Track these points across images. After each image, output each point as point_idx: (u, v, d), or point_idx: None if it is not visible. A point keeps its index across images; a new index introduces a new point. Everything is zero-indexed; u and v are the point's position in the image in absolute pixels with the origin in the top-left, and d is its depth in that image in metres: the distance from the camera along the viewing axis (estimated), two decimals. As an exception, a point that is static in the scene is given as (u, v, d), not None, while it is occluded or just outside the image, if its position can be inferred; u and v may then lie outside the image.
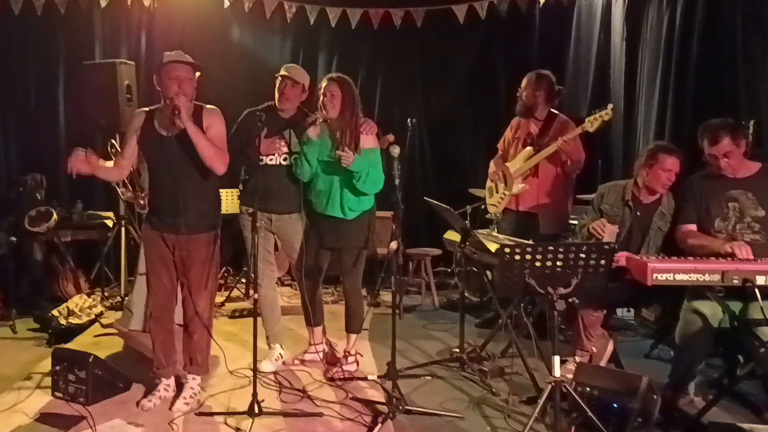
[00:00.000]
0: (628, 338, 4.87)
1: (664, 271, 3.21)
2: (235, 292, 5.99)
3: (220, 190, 6.03)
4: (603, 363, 3.83)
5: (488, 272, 4.58)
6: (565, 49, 6.54)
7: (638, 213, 3.86)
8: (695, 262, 3.29)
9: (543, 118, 4.82)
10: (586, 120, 4.49)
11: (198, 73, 3.50)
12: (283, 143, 4.04)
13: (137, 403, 3.56)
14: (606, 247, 3.22)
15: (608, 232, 3.75)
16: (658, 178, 3.77)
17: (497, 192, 4.98)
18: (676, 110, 5.02)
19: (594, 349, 3.81)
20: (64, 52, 6.52)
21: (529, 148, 4.76)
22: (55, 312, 4.88)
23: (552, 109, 4.85)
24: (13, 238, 5.38)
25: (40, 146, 6.52)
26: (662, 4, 5.30)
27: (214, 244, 3.60)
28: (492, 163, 5.07)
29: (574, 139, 4.55)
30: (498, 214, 5.11)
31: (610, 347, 3.92)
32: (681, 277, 3.21)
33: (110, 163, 3.66)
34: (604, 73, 6.13)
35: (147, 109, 3.61)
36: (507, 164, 4.88)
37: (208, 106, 3.56)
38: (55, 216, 5.66)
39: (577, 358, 3.81)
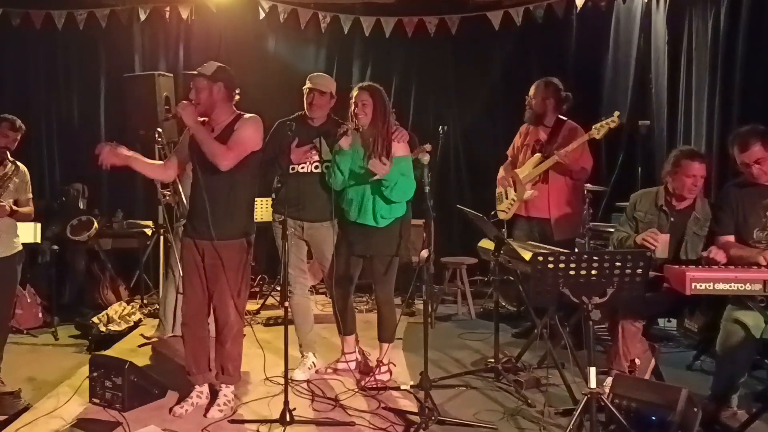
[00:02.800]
0: (670, 349, 4.75)
1: (704, 281, 3.12)
2: (271, 300, 6.02)
3: (255, 199, 6.16)
4: (647, 377, 3.72)
5: (524, 282, 4.52)
6: (603, 54, 6.44)
7: (672, 219, 3.77)
8: (735, 271, 3.19)
9: (551, 125, 4.92)
10: (593, 127, 4.61)
11: (219, 83, 3.53)
12: (314, 152, 4.05)
13: (170, 410, 3.60)
14: (642, 254, 3.14)
15: (662, 242, 3.64)
16: (683, 184, 3.68)
17: (507, 198, 5.06)
18: (723, 115, 4.94)
19: (638, 361, 3.69)
20: (105, 64, 6.70)
21: (537, 155, 4.86)
22: (95, 319, 4.99)
23: (560, 116, 4.94)
24: (56, 247, 5.53)
25: (82, 157, 6.67)
26: (706, 6, 5.19)
27: (244, 252, 3.61)
28: (501, 169, 5.16)
29: (575, 150, 4.66)
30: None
31: (653, 361, 3.81)
32: (721, 286, 3.11)
33: (155, 161, 3.78)
34: (644, 78, 6.03)
35: None
36: (516, 171, 4.98)
37: (248, 115, 3.61)
38: (96, 225, 5.79)
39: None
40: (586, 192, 5.11)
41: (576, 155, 4.72)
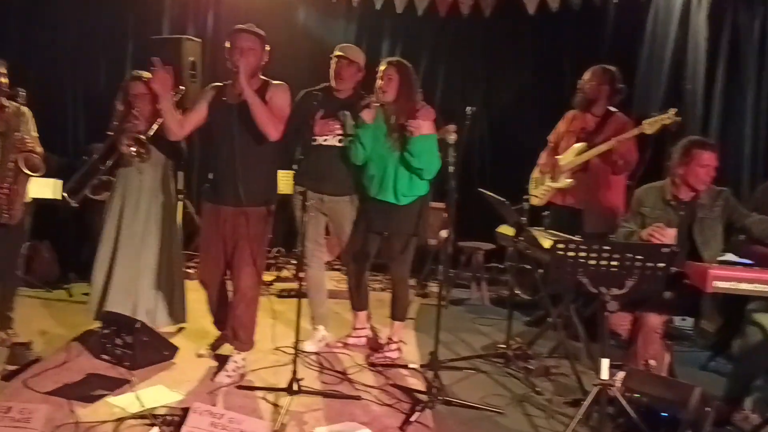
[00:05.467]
0: (685, 348, 4.67)
1: (726, 279, 3.06)
2: (285, 273, 6.02)
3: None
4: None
5: (539, 270, 4.47)
6: (638, 46, 6.28)
7: (682, 212, 3.68)
8: (760, 271, 3.11)
9: (600, 114, 4.73)
10: (644, 122, 4.35)
11: (267, 47, 3.56)
12: (337, 124, 4.00)
13: (212, 378, 3.61)
14: (666, 250, 3.08)
15: (669, 237, 3.57)
16: (696, 175, 3.57)
17: (542, 184, 4.91)
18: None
19: (653, 362, 3.63)
20: (133, 27, 6.65)
21: (582, 144, 4.67)
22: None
23: (610, 107, 4.75)
24: (76, 205, 5.54)
25: (106, 118, 6.69)
26: (752, 3, 5.07)
27: (265, 220, 3.60)
28: (543, 154, 4.99)
29: (628, 139, 4.45)
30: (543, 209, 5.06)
31: (668, 359, 3.76)
32: (743, 286, 3.05)
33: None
34: (678, 74, 5.90)
35: (220, 84, 3.70)
36: (558, 157, 4.82)
37: (276, 81, 3.60)
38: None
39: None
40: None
41: (623, 148, 4.52)
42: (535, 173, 5.03)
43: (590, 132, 4.70)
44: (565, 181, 4.72)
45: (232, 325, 3.66)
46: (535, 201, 5.01)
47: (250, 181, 3.50)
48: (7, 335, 4.02)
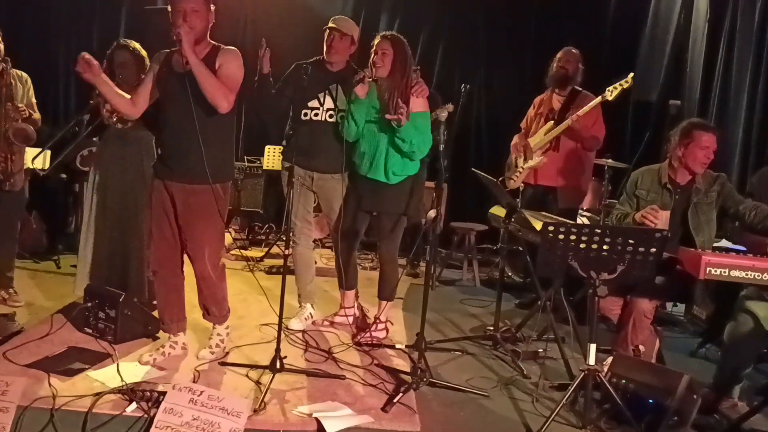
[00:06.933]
0: (675, 334, 4.65)
1: (719, 266, 3.00)
2: (275, 249, 5.96)
3: (267, 147, 6.06)
4: (652, 361, 3.63)
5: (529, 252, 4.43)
6: (640, 28, 6.21)
7: (677, 196, 3.63)
8: (754, 259, 3.06)
9: (566, 94, 4.88)
10: (606, 90, 4.55)
11: (212, 8, 3.22)
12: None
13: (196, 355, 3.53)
14: (658, 235, 3.03)
15: (662, 220, 3.51)
16: (695, 156, 3.52)
17: (516, 166, 5.01)
18: (766, 99, 4.88)
19: (642, 348, 3.60)
20: (128, -5, 6.56)
21: (550, 123, 4.82)
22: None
23: (576, 86, 4.91)
24: (64, 176, 5.49)
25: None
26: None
27: (219, 198, 3.31)
28: (515, 137, 5.12)
29: (588, 116, 4.63)
30: (521, 188, 5.12)
31: (657, 344, 3.73)
32: (737, 273, 2.99)
33: (124, 94, 3.37)
34: (680, 57, 5.82)
35: (169, 50, 3.36)
36: (528, 139, 4.95)
37: (227, 47, 3.30)
38: (105, 156, 5.72)
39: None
40: (606, 168, 4.99)
41: (589, 122, 4.68)
42: (510, 157, 5.14)
43: (558, 111, 4.85)
44: (536, 159, 4.84)
45: (203, 303, 3.52)
46: (511, 184, 5.09)
47: (202, 157, 3.16)
48: (8, 294, 4.16)
